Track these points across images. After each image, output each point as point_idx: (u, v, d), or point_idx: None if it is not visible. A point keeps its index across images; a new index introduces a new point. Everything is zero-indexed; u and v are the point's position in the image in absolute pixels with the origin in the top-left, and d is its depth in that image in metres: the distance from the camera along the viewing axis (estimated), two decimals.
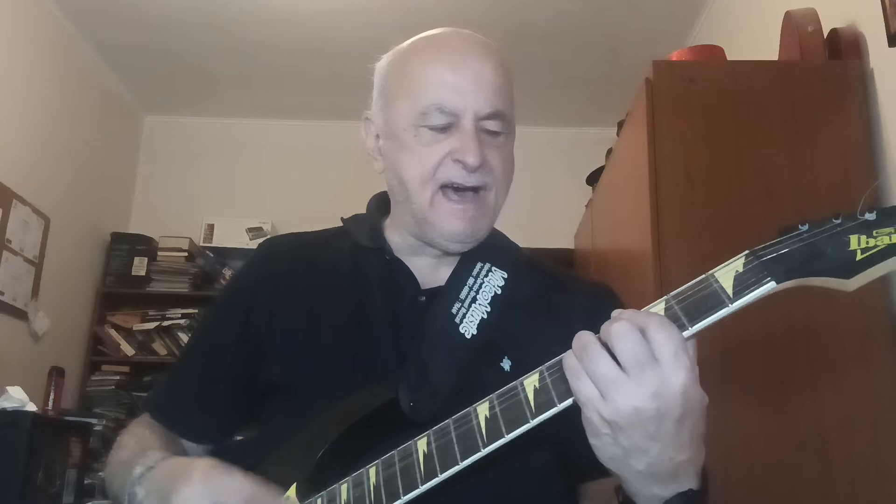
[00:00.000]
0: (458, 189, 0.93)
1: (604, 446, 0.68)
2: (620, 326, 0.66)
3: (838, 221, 0.66)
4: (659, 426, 0.65)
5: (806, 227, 0.67)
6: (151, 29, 3.79)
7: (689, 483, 0.70)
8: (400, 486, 0.75)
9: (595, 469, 0.71)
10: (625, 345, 0.65)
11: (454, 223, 0.93)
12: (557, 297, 1.00)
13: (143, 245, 4.24)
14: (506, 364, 0.91)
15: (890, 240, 0.63)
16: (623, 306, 1.01)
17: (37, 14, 3.57)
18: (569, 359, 0.68)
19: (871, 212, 0.65)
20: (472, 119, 0.92)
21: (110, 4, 3.61)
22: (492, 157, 0.93)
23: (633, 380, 0.65)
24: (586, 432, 0.69)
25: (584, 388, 0.67)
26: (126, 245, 4.24)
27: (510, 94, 0.98)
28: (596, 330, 0.69)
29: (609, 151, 2.84)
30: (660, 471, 0.68)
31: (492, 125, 0.94)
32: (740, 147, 1.92)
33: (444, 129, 0.92)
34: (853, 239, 0.65)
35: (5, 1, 3.34)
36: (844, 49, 2.04)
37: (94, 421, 3.46)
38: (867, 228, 0.65)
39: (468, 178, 0.92)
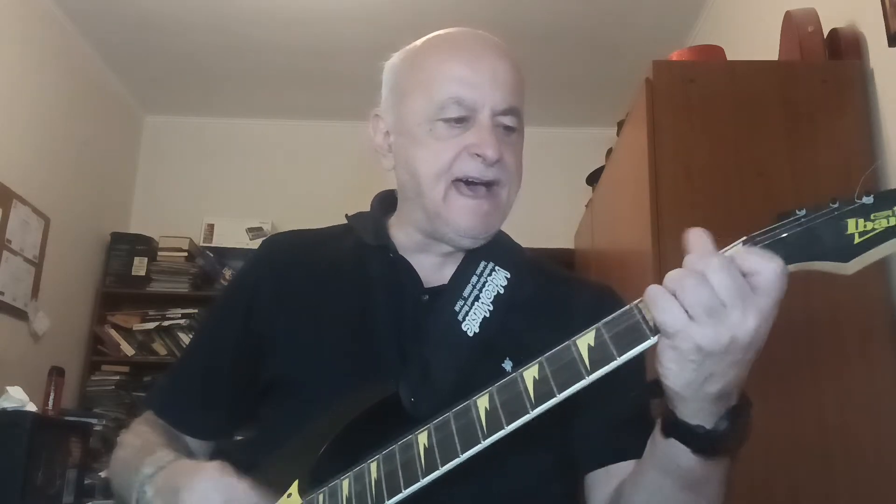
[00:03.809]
0: (470, 184, 0.94)
1: (682, 373, 0.67)
2: (720, 260, 0.65)
3: (835, 206, 0.66)
4: (744, 354, 0.67)
5: (803, 213, 0.68)
6: (151, 29, 3.79)
7: (736, 397, 0.72)
8: (401, 480, 0.75)
9: (598, 460, 0.71)
10: (723, 278, 0.64)
11: (468, 219, 0.94)
12: (559, 299, 1.00)
13: (143, 245, 4.24)
14: (507, 365, 0.91)
15: (888, 223, 0.64)
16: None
17: (37, 14, 3.57)
18: (654, 290, 0.67)
19: (868, 196, 0.65)
20: (489, 114, 0.93)
21: (110, 4, 3.62)
22: (507, 153, 0.94)
23: (734, 311, 0.64)
24: (662, 360, 0.68)
25: (675, 318, 0.65)
26: (126, 245, 4.24)
27: (523, 94, 0.99)
28: None
29: (609, 151, 2.84)
30: (727, 392, 0.69)
31: (507, 121, 0.95)
32: (740, 147, 1.92)
33: (460, 122, 0.93)
34: (851, 223, 0.65)
35: (5, 1, 3.34)
36: (844, 49, 2.04)
37: (94, 421, 3.46)
38: (865, 212, 0.65)
39: (485, 172, 0.93)
